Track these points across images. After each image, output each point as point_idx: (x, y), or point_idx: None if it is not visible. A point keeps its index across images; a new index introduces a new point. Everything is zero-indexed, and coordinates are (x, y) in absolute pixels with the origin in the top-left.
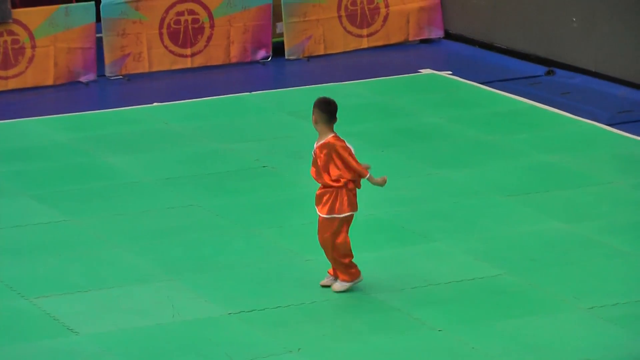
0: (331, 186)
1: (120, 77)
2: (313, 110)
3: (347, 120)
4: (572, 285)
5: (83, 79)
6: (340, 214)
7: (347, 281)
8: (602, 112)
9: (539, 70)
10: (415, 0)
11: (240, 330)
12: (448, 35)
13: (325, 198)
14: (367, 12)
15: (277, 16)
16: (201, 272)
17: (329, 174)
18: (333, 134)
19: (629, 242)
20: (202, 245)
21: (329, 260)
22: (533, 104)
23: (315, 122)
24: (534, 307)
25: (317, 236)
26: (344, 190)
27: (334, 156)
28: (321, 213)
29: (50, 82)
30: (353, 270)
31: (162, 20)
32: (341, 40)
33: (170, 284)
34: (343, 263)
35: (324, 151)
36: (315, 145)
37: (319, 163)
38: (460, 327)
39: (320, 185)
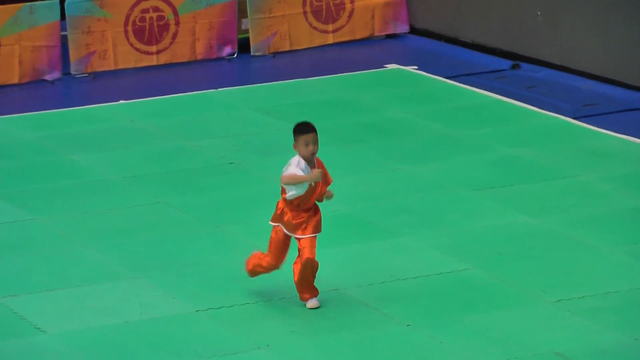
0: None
1: (86, 75)
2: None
3: (313, 116)
4: (539, 278)
5: (48, 77)
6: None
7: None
8: (567, 106)
9: (504, 64)
10: None
11: (209, 327)
12: (413, 30)
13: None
14: (332, 7)
15: (242, 12)
16: (168, 269)
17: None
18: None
19: (594, 235)
20: (169, 243)
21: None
22: (498, 98)
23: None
24: (501, 301)
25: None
26: None
27: None
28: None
29: (15, 80)
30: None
31: (127, 17)
32: (307, 36)
33: (138, 282)
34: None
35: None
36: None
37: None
38: (428, 321)
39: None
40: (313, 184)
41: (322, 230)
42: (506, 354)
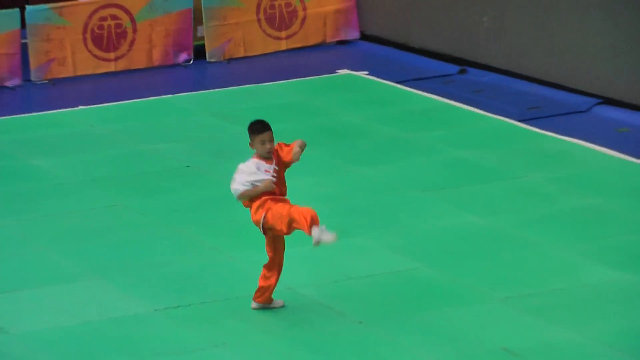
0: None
1: (46, 81)
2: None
3: (268, 120)
4: (488, 276)
5: (9, 83)
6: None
7: None
8: (513, 109)
9: (452, 69)
10: (332, 3)
11: (167, 326)
12: (364, 36)
13: None
14: (285, 14)
15: (197, 20)
16: (127, 270)
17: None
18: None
19: (541, 234)
20: (128, 245)
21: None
22: (447, 102)
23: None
24: (451, 299)
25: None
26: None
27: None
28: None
29: None
30: None
31: (86, 25)
32: (260, 42)
33: (97, 283)
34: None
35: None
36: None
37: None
38: (380, 319)
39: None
40: (274, 173)
41: None
42: (456, 350)
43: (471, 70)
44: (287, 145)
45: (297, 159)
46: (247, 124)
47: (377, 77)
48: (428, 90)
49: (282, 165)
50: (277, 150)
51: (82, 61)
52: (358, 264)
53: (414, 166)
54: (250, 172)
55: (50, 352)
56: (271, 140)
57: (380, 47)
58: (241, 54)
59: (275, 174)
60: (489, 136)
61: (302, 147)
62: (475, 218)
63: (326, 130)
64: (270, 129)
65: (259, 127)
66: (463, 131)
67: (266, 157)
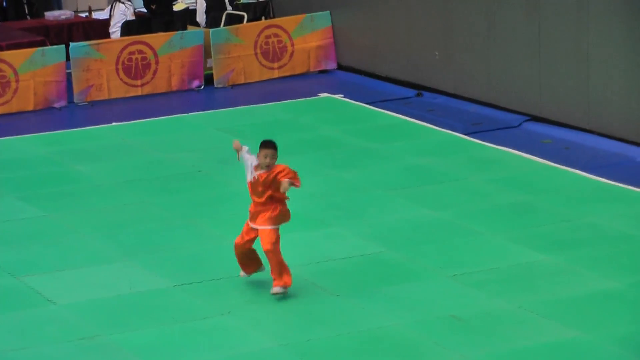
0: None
1: (86, 103)
2: (273, 153)
3: (263, 135)
4: (439, 258)
5: (57, 105)
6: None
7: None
8: (459, 125)
9: (410, 93)
10: (315, 40)
11: (183, 298)
12: (340, 67)
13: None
14: (277, 49)
15: (207, 53)
16: (151, 253)
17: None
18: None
19: (482, 224)
20: (152, 233)
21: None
22: (406, 119)
23: (273, 158)
24: (409, 276)
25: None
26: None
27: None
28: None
29: (31, 107)
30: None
31: (118, 58)
32: (257, 71)
33: (127, 264)
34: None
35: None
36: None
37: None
38: (353, 292)
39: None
40: (252, 179)
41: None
42: (414, 316)
43: (426, 94)
44: (284, 176)
45: (283, 192)
46: (247, 137)
47: (351, 99)
48: (391, 110)
49: (271, 186)
50: (278, 173)
51: (115, 87)
52: (335, 249)
53: (380, 170)
54: (247, 165)
55: (90, 319)
56: (273, 157)
57: (353, 75)
58: (242, 81)
59: (253, 182)
60: (440, 146)
61: (288, 184)
62: (429, 211)
63: (310, 142)
64: (274, 149)
65: (264, 143)
66: (419, 142)
67: (263, 168)
